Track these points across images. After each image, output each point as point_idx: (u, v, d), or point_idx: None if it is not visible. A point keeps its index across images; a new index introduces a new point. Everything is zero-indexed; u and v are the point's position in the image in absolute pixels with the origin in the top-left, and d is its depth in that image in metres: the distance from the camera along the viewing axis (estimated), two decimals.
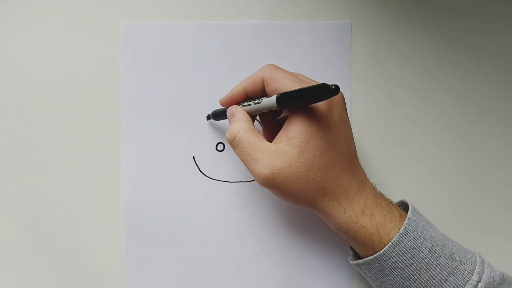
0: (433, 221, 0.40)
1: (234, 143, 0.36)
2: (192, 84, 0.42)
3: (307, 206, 0.36)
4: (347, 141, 0.36)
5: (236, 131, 0.36)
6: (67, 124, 0.41)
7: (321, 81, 0.42)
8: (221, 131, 0.42)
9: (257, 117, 0.41)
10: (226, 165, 0.42)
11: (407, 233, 0.34)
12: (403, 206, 0.38)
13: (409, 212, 0.36)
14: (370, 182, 0.37)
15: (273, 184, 0.34)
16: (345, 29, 0.43)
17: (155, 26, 0.42)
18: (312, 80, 0.37)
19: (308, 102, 0.33)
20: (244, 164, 0.36)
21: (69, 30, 0.41)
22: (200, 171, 0.42)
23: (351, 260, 0.38)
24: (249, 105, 0.37)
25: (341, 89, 0.42)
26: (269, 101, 0.34)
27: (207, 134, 0.42)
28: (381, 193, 0.37)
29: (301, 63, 0.42)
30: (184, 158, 0.42)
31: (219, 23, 0.42)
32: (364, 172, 0.38)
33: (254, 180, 0.41)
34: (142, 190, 0.41)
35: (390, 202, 0.37)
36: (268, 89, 0.36)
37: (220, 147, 0.42)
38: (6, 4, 0.41)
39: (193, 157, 0.42)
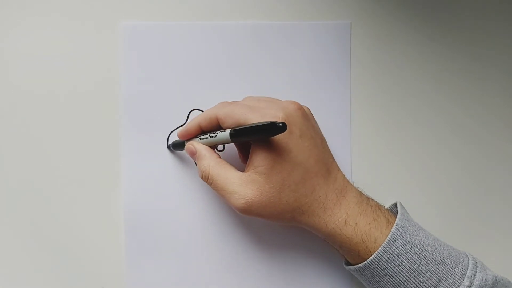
0: (433, 221, 0.41)
1: (208, 182, 0.37)
2: (192, 84, 0.42)
3: (290, 223, 0.37)
4: (316, 155, 0.36)
5: (206, 170, 0.37)
6: (66, 125, 0.41)
7: (320, 81, 0.42)
8: None
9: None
10: None
11: (395, 240, 0.34)
12: (396, 210, 0.38)
13: (397, 218, 0.36)
14: (353, 189, 0.37)
15: (251, 212, 0.35)
16: (345, 29, 0.43)
17: (155, 26, 0.42)
18: (272, 101, 0.37)
19: (260, 137, 0.34)
20: (222, 197, 0.37)
21: (69, 30, 0.41)
22: None
23: (345, 265, 0.39)
24: (206, 138, 0.38)
25: (341, 89, 0.43)
26: (224, 136, 0.35)
27: None
28: (367, 198, 0.37)
29: (301, 63, 0.42)
30: (184, 159, 0.42)
31: (219, 23, 0.42)
32: (344, 179, 0.37)
33: None
34: (142, 191, 0.41)
35: (378, 207, 0.37)
36: (224, 126, 0.36)
37: (220, 147, 0.42)
38: (5, 3, 0.41)
39: None
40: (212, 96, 0.42)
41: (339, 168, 0.38)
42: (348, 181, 0.37)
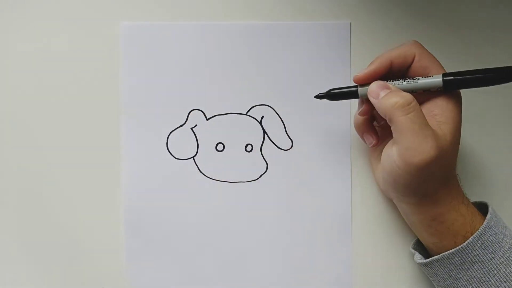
0: None
1: (406, 108, 0.33)
2: (192, 84, 0.42)
3: (422, 198, 0.35)
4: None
5: (411, 98, 0.33)
6: (67, 124, 0.42)
7: (320, 82, 0.42)
8: (220, 131, 0.42)
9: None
10: (226, 165, 0.42)
11: (490, 228, 0.35)
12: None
13: (490, 209, 0.37)
14: None
15: (429, 167, 0.33)
16: (345, 29, 0.43)
17: (155, 26, 0.42)
18: None
19: (482, 85, 0.34)
20: (402, 134, 0.33)
21: (69, 30, 0.41)
22: (200, 171, 0.42)
23: (420, 259, 0.38)
24: (399, 84, 0.34)
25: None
26: (430, 82, 0.33)
27: (207, 134, 0.42)
28: None
29: (301, 63, 0.42)
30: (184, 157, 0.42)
31: (219, 23, 0.42)
32: None
33: (254, 180, 0.42)
34: (142, 190, 0.41)
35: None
36: (417, 65, 0.35)
37: (220, 147, 0.42)
38: (5, 3, 0.41)
39: (193, 157, 0.42)
40: (212, 96, 0.42)
41: None
42: None
